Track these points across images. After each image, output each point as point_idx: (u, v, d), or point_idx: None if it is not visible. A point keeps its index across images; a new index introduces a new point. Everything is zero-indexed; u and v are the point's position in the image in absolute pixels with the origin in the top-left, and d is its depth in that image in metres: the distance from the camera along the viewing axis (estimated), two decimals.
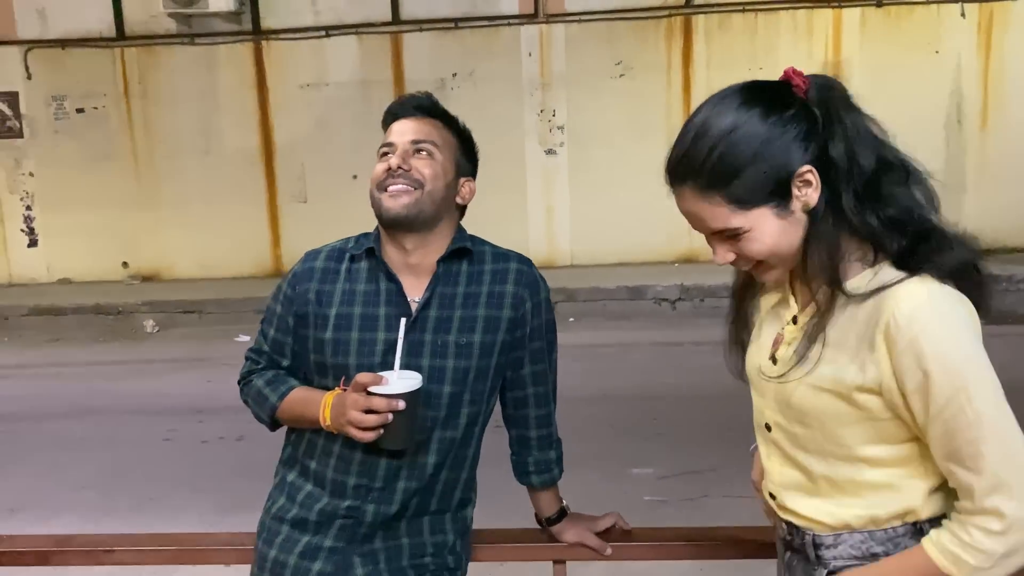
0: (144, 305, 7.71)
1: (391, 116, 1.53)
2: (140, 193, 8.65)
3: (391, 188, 1.46)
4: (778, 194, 1.11)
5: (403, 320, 1.42)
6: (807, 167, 1.11)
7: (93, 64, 8.44)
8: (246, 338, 6.81)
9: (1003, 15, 7.80)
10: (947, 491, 1.16)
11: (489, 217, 7.86)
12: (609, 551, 1.61)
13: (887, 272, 1.12)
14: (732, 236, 1.14)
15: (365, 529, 1.50)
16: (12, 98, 8.59)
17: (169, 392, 5.79)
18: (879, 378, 1.10)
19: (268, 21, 8.28)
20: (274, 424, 1.56)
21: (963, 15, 7.74)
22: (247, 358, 1.60)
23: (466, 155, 1.56)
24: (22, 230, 8.85)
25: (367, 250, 1.52)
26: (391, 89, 8.23)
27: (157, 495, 4.02)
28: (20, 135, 8.65)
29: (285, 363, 1.57)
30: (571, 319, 7.29)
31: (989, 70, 7.87)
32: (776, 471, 1.27)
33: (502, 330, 1.51)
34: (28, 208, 8.80)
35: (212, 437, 4.81)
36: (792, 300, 1.24)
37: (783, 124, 1.11)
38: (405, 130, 1.50)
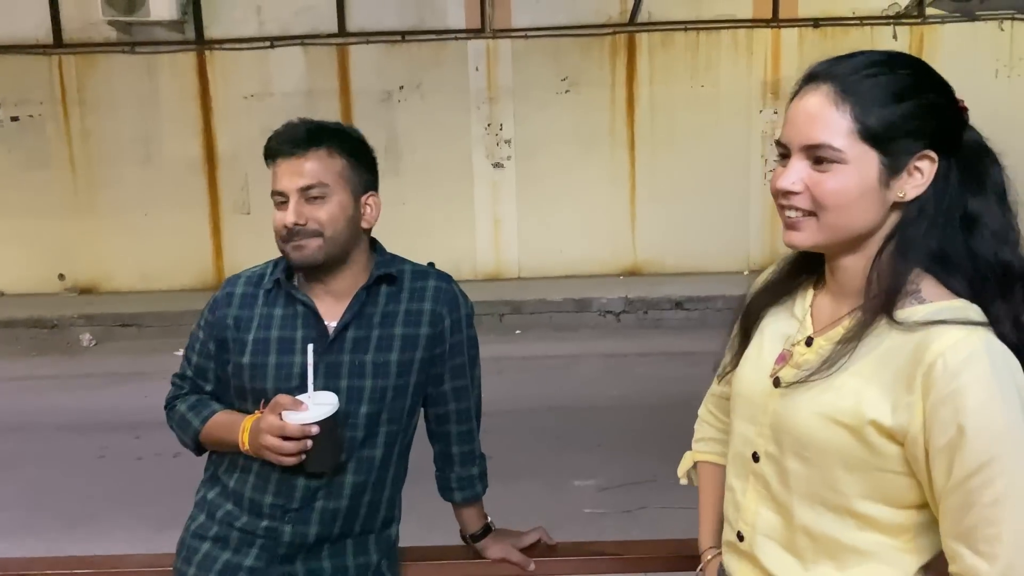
0: (80, 318, 7.51)
1: (273, 156, 1.49)
2: (77, 203, 8.43)
3: (293, 243, 1.46)
4: (896, 154, 1.00)
5: (310, 347, 1.42)
6: (934, 155, 1.00)
7: (29, 71, 8.22)
8: None
9: (932, 37, 8.10)
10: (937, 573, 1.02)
11: (437, 229, 7.98)
12: (533, 566, 1.62)
13: (941, 311, 0.99)
14: (821, 162, 1.01)
15: (284, 550, 1.49)
16: None
17: (104, 408, 5.64)
18: (907, 425, 0.97)
19: (212, 31, 8.17)
20: (199, 448, 1.56)
21: (895, 37, 8.02)
22: (172, 383, 1.62)
23: (361, 167, 1.52)
24: None
25: (276, 281, 1.53)
26: (337, 100, 8.19)
27: (89, 514, 3.92)
28: None
29: (208, 388, 1.58)
30: (518, 331, 7.32)
31: None
32: (752, 511, 1.13)
33: (420, 347, 1.52)
34: None
35: (148, 454, 4.70)
36: (808, 319, 1.12)
37: (949, 103, 1.03)
38: (292, 173, 1.45)
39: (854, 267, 1.06)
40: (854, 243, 1.06)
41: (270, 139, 1.49)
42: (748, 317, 1.20)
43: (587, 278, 8.20)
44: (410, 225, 7.94)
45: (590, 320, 7.45)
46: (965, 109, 1.06)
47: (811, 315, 1.12)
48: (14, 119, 8.34)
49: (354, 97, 8.23)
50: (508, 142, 8.34)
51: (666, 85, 8.13)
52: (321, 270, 1.49)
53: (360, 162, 1.51)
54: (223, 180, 8.38)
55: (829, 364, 1.02)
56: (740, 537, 1.14)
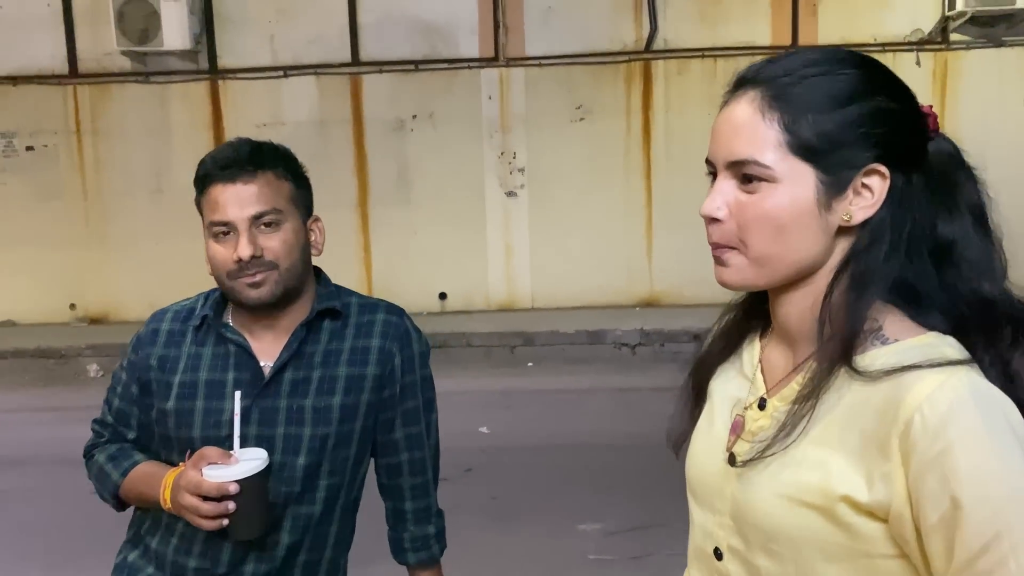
0: (88, 348, 7.44)
1: (208, 181, 1.33)
2: (89, 233, 8.42)
3: (246, 278, 1.30)
4: (836, 169, 0.83)
5: (237, 394, 1.27)
6: (884, 170, 0.83)
7: (44, 101, 8.27)
8: None
9: (957, 63, 7.90)
10: None
11: (449, 258, 7.86)
12: None
13: (910, 351, 0.81)
14: (750, 180, 0.85)
15: None
16: None
17: None
18: (888, 499, 0.78)
19: (225, 60, 8.18)
20: (119, 504, 1.40)
21: (918, 63, 7.83)
22: (92, 430, 1.46)
23: (305, 189, 1.38)
24: None
25: (204, 317, 1.37)
26: (350, 129, 8.13)
27: (74, 555, 3.78)
28: None
29: (131, 435, 1.43)
30: (530, 364, 7.14)
31: (944, 118, 7.93)
32: None
33: (367, 389, 1.36)
34: None
35: None
36: (759, 376, 0.94)
37: (902, 109, 0.85)
38: (240, 201, 1.30)
39: (800, 308, 0.88)
40: (797, 279, 0.88)
41: (203, 163, 1.35)
42: (699, 375, 1.02)
43: (602, 309, 8.02)
44: (421, 254, 7.84)
45: (604, 353, 7.25)
46: (931, 116, 0.88)
47: (762, 371, 0.94)
48: (29, 149, 8.37)
49: (367, 126, 8.17)
50: (521, 170, 8.22)
51: (683, 113, 7.99)
52: (274, 309, 1.34)
53: (303, 184, 1.38)
54: None
55: (785, 432, 0.83)
56: None
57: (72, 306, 8.50)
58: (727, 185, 0.87)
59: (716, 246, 0.89)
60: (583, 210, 8.11)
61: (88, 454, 1.46)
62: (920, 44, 7.87)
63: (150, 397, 1.38)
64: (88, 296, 8.48)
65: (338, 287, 1.42)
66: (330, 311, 1.37)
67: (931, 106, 0.90)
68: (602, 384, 6.50)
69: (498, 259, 8.32)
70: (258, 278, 1.30)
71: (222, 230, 1.32)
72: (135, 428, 1.42)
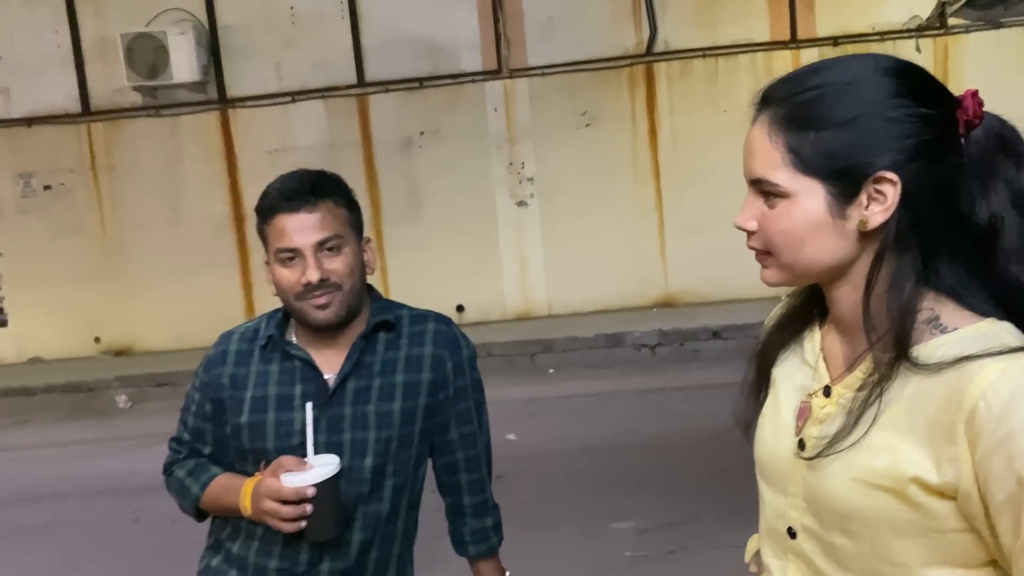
0: (116, 380, 7.56)
1: (274, 211, 1.41)
2: (108, 267, 8.56)
3: (314, 300, 1.39)
4: (843, 181, 0.88)
5: (308, 405, 1.36)
6: (892, 175, 0.87)
7: (59, 140, 8.43)
8: None
9: (957, 47, 7.95)
10: None
11: (463, 272, 7.94)
12: None
13: (970, 340, 0.86)
14: (769, 196, 0.92)
15: None
16: None
17: (139, 469, 5.60)
18: (956, 480, 0.84)
19: (233, 89, 8.32)
20: (200, 515, 1.50)
21: (918, 50, 7.87)
22: (169, 447, 1.56)
23: (358, 214, 1.47)
24: None
25: (270, 336, 1.46)
26: (359, 150, 8.24)
27: None
28: None
29: (207, 450, 1.52)
30: (551, 370, 7.20)
31: None
32: None
33: (423, 393, 1.45)
34: None
35: (181, 515, 4.63)
36: (822, 364, 0.99)
37: (907, 115, 0.87)
38: (304, 229, 1.38)
39: (849, 299, 0.94)
40: (835, 274, 0.94)
41: (268, 195, 1.43)
42: (762, 363, 1.07)
43: (619, 312, 8.07)
44: (435, 270, 7.92)
45: (624, 355, 7.30)
46: (971, 103, 0.90)
47: (823, 359, 0.99)
48: (47, 188, 8.53)
49: (375, 146, 8.28)
50: (531, 180, 8.31)
51: (687, 114, 8.06)
52: (340, 326, 1.43)
53: (356, 209, 1.47)
54: (252, 236, 8.43)
55: (854, 422, 0.89)
56: None
57: (97, 339, 8.63)
58: (754, 200, 0.95)
59: (755, 251, 0.97)
60: (594, 215, 8.18)
61: (168, 470, 1.56)
62: (919, 31, 7.92)
63: (224, 414, 1.46)
64: (111, 329, 8.61)
65: (389, 301, 1.51)
66: (385, 323, 1.45)
67: (975, 91, 0.91)
68: (624, 386, 6.56)
69: (512, 269, 8.40)
70: (323, 300, 1.39)
71: (288, 256, 1.40)
72: (210, 443, 1.51)
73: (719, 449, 4.94)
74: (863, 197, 0.89)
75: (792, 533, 0.97)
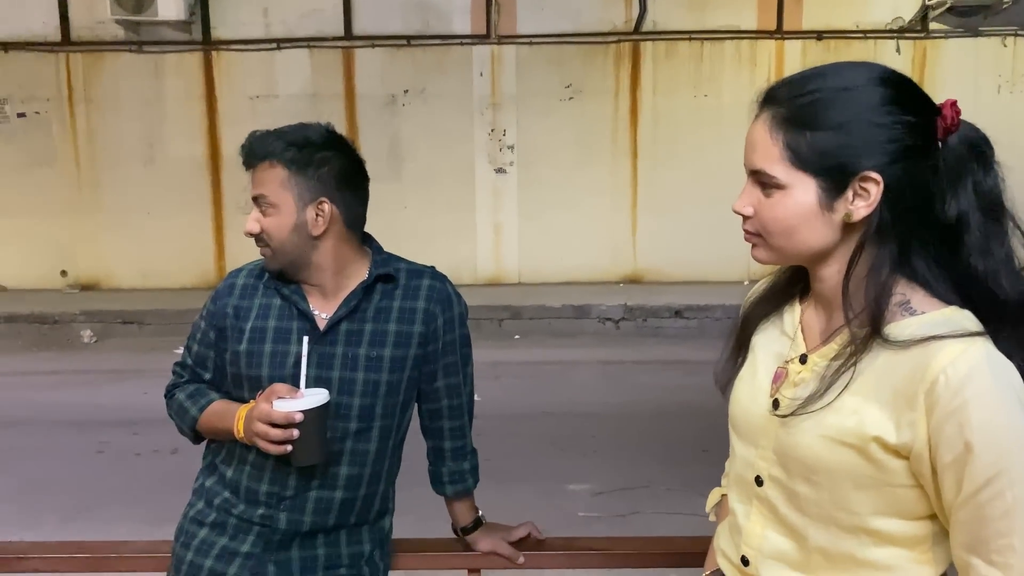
0: (82, 315, 7.54)
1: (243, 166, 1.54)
2: (81, 200, 8.48)
3: (261, 249, 1.54)
4: (833, 178, 0.99)
5: (305, 339, 1.45)
6: (876, 175, 0.98)
7: (36, 68, 8.28)
8: None
9: (936, 52, 8.14)
10: None
11: (438, 233, 8.01)
12: (522, 559, 1.65)
13: (935, 323, 0.98)
14: (765, 187, 1.03)
15: (280, 537, 1.52)
16: None
17: (104, 403, 5.67)
18: (911, 441, 0.96)
19: (219, 32, 8.23)
20: (196, 437, 1.59)
21: (898, 51, 8.06)
22: (172, 371, 1.64)
23: (308, 176, 1.49)
24: None
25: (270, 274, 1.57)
26: (342, 103, 8.24)
27: (86, 508, 3.94)
28: None
29: (207, 376, 1.61)
30: (517, 336, 7.34)
31: None
32: (758, 534, 1.11)
33: (413, 344, 1.54)
34: None
35: (146, 450, 4.72)
36: (800, 335, 1.11)
37: (894, 121, 0.98)
38: (253, 184, 1.51)
39: (831, 280, 1.06)
40: (820, 257, 1.06)
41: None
42: (744, 330, 1.20)
43: (587, 285, 8.23)
44: (411, 229, 7.98)
45: (589, 327, 7.48)
46: (950, 112, 1.01)
47: (801, 331, 1.11)
48: (20, 115, 8.40)
49: (358, 101, 8.28)
50: (511, 148, 8.38)
51: (669, 94, 8.18)
52: (293, 276, 1.54)
53: (305, 168, 1.49)
54: (227, 180, 8.42)
55: (827, 387, 1.02)
56: (745, 562, 1.13)
57: (63, 273, 8.58)
58: (752, 188, 1.06)
59: (747, 233, 1.09)
60: (570, 188, 8.29)
61: (169, 393, 1.63)
62: (900, 32, 8.10)
63: (225, 342, 1.56)
64: (79, 263, 8.56)
65: (389, 254, 1.60)
66: (385, 276, 1.55)
67: (954, 101, 1.01)
68: (587, 357, 6.73)
69: (487, 234, 8.50)
70: (265, 251, 1.53)
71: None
72: (211, 370, 1.60)
73: (674, 422, 5.16)
74: (849, 193, 1.00)
75: (759, 481, 1.10)
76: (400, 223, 8.02)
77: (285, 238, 1.49)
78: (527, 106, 8.26)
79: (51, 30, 8.24)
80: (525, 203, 8.42)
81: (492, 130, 8.36)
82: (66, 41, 8.25)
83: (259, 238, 1.51)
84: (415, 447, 1.68)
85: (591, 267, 8.36)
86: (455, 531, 1.70)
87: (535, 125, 8.28)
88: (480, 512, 1.70)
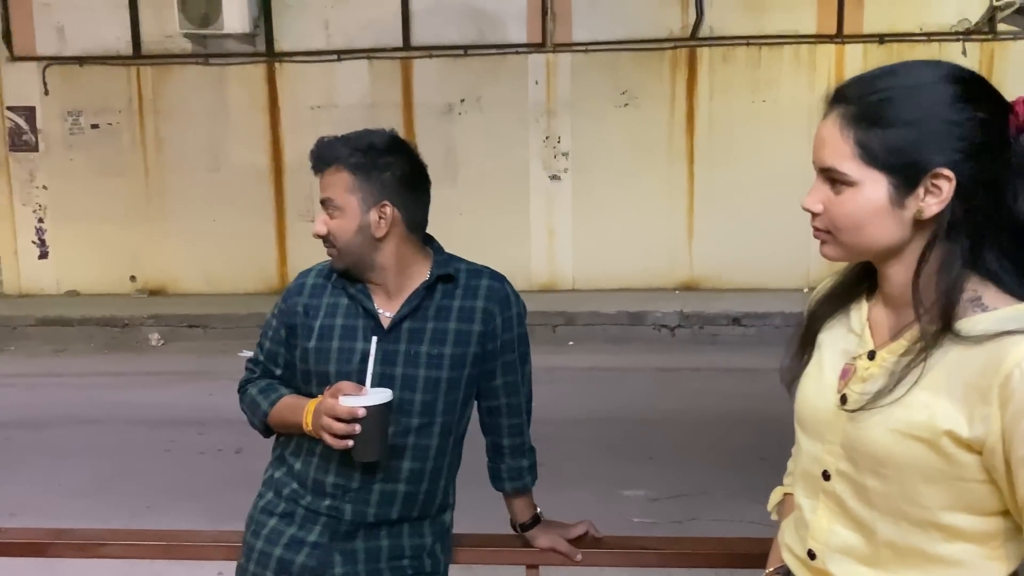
0: (150, 318, 7.81)
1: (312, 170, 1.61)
2: (150, 208, 8.79)
3: (327, 249, 1.60)
4: (904, 175, 1.00)
5: (374, 339, 1.50)
6: (948, 172, 0.98)
7: (109, 81, 8.62)
8: (249, 353, 6.85)
9: (1004, 53, 7.92)
10: None
11: (492, 239, 8.07)
12: (579, 557, 1.66)
13: (1008, 318, 0.98)
14: (836, 183, 1.04)
15: (346, 527, 1.57)
16: (29, 113, 8.76)
17: (170, 404, 5.86)
18: (985, 435, 0.96)
19: (282, 44, 8.46)
20: (267, 430, 1.65)
21: (964, 53, 7.85)
22: (245, 367, 1.71)
23: (371, 180, 1.54)
24: (33, 242, 8.98)
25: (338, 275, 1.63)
26: (400, 112, 8.37)
27: (154, 504, 4.08)
28: (35, 149, 8.82)
29: (279, 372, 1.67)
30: (571, 342, 7.35)
31: None
32: (824, 528, 1.12)
33: (473, 343, 1.59)
34: (40, 220, 8.94)
35: (211, 449, 4.87)
36: (868, 332, 1.11)
37: (965, 119, 0.99)
38: (321, 188, 1.58)
39: (900, 277, 1.06)
40: (889, 254, 1.06)
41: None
42: (810, 328, 1.20)
43: (642, 291, 8.19)
44: (466, 235, 8.00)
45: (644, 333, 7.44)
46: (1017, 111, 1.01)
47: (869, 327, 1.11)
48: (94, 127, 8.74)
49: (416, 110, 8.41)
50: (565, 154, 8.41)
51: (726, 99, 8.11)
52: (358, 276, 1.60)
53: (367, 172, 1.54)
54: (289, 188, 8.64)
55: (896, 381, 1.02)
56: (811, 555, 1.13)
57: (132, 278, 8.89)
58: (821, 185, 1.07)
59: (816, 230, 1.10)
60: (625, 194, 8.27)
61: (242, 388, 1.70)
62: (967, 34, 7.89)
63: (295, 338, 1.62)
64: (147, 269, 8.86)
65: (449, 255, 1.65)
66: (445, 276, 1.60)
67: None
68: (642, 363, 6.70)
69: (540, 240, 8.53)
70: (331, 251, 1.59)
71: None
72: (282, 366, 1.66)
73: (730, 430, 5.11)
74: (921, 190, 1.00)
75: (826, 476, 1.11)
76: (455, 229, 8.05)
77: (349, 239, 1.55)
78: (582, 112, 8.28)
79: (123, 44, 8.57)
80: (579, 209, 8.43)
81: (547, 137, 8.40)
82: (137, 55, 8.57)
83: (326, 239, 1.57)
84: (473, 446, 1.72)
85: (646, 273, 8.32)
86: (513, 527, 1.73)
87: (590, 131, 8.29)
88: (539, 509, 1.72)
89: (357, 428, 1.43)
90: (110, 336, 7.77)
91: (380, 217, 1.55)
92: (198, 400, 5.85)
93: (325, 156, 1.56)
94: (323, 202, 1.56)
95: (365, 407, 1.42)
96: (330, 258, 1.60)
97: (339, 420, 1.43)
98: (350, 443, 1.44)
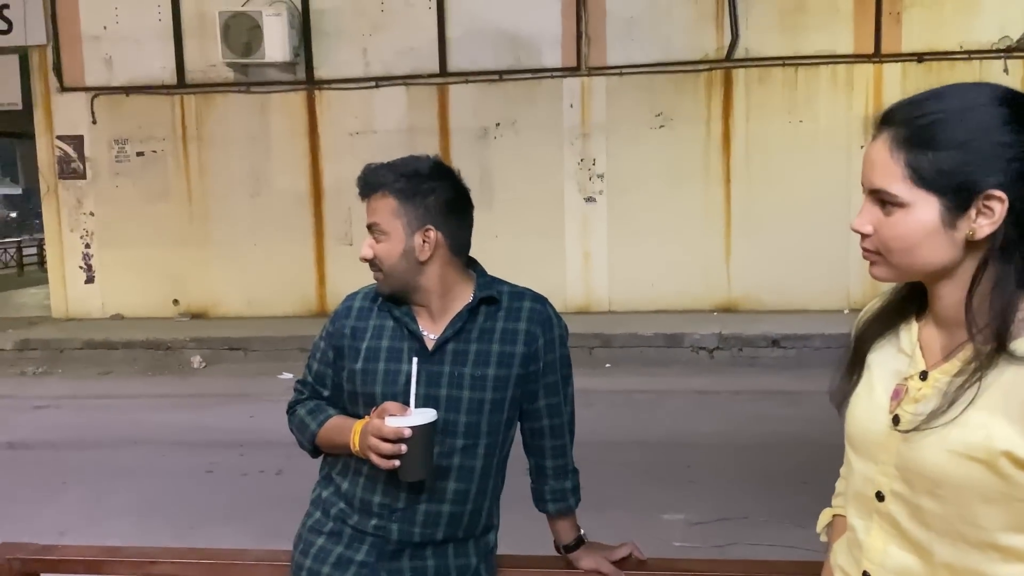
0: (192, 341, 7.95)
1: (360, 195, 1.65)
2: (192, 233, 8.98)
3: (373, 273, 1.63)
4: (956, 196, 1.00)
5: (415, 361, 1.53)
6: (1001, 193, 0.98)
7: (154, 110, 8.86)
8: (289, 375, 6.97)
9: None
10: None
11: (528, 262, 8.10)
12: None
13: None
14: (886, 205, 1.04)
15: (393, 547, 1.59)
16: (78, 141, 9.03)
17: (212, 426, 5.95)
18: None
19: (321, 71, 8.63)
20: (315, 451, 1.68)
21: (1006, 71, 7.76)
22: (294, 389, 1.74)
23: (416, 205, 1.57)
24: (80, 267, 9.22)
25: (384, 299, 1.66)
26: (437, 137, 8.48)
27: (197, 524, 4.13)
28: (83, 176, 9.08)
29: (326, 393, 1.70)
30: (608, 365, 7.33)
31: None
32: (880, 550, 1.10)
33: (516, 365, 1.60)
34: (87, 246, 9.18)
35: (252, 470, 4.93)
36: (919, 352, 1.10)
37: (1017, 140, 0.99)
38: (368, 212, 1.61)
39: (952, 298, 1.06)
40: (940, 275, 1.06)
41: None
42: (859, 349, 1.19)
43: (679, 313, 8.15)
44: (502, 258, 8.02)
45: (682, 356, 7.39)
46: None
47: (920, 348, 1.11)
48: (139, 154, 8.98)
49: (452, 134, 8.51)
50: (601, 177, 8.43)
51: (763, 121, 8.09)
52: (404, 299, 1.63)
53: (412, 197, 1.58)
54: (328, 212, 8.78)
55: (951, 402, 1.01)
56: None
57: (175, 302, 9.07)
58: (871, 207, 1.07)
59: (865, 251, 1.10)
60: (661, 216, 8.26)
61: (291, 409, 1.73)
62: (1008, 52, 7.79)
63: (342, 360, 1.65)
64: (190, 293, 9.04)
65: (492, 277, 1.67)
66: (489, 298, 1.63)
67: None
68: (680, 386, 6.65)
69: (576, 262, 8.54)
70: (377, 275, 1.62)
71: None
72: (330, 387, 1.69)
73: (772, 454, 5.05)
74: (973, 211, 1.00)
75: (880, 496, 1.10)
76: (492, 251, 8.05)
77: (395, 263, 1.58)
78: (617, 135, 8.31)
79: (168, 74, 8.81)
80: (615, 231, 8.43)
81: (582, 159, 8.44)
82: (181, 84, 8.80)
83: (372, 263, 1.60)
84: (516, 468, 1.73)
85: (683, 295, 8.28)
86: (557, 549, 1.73)
87: (625, 154, 8.31)
88: (582, 531, 1.72)
89: (403, 448, 1.45)
90: (154, 359, 7.92)
91: (424, 241, 1.58)
92: (239, 422, 5.93)
93: (371, 182, 1.60)
94: (369, 227, 1.60)
95: (411, 427, 1.44)
96: (375, 281, 1.63)
97: (385, 440, 1.45)
98: (396, 463, 1.46)
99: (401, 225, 1.57)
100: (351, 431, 1.54)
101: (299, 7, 8.50)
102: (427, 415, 1.48)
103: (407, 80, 8.49)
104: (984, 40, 7.83)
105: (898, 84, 7.87)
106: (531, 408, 1.66)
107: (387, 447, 1.45)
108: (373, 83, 8.52)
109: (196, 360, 7.83)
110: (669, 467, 4.82)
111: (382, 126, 8.55)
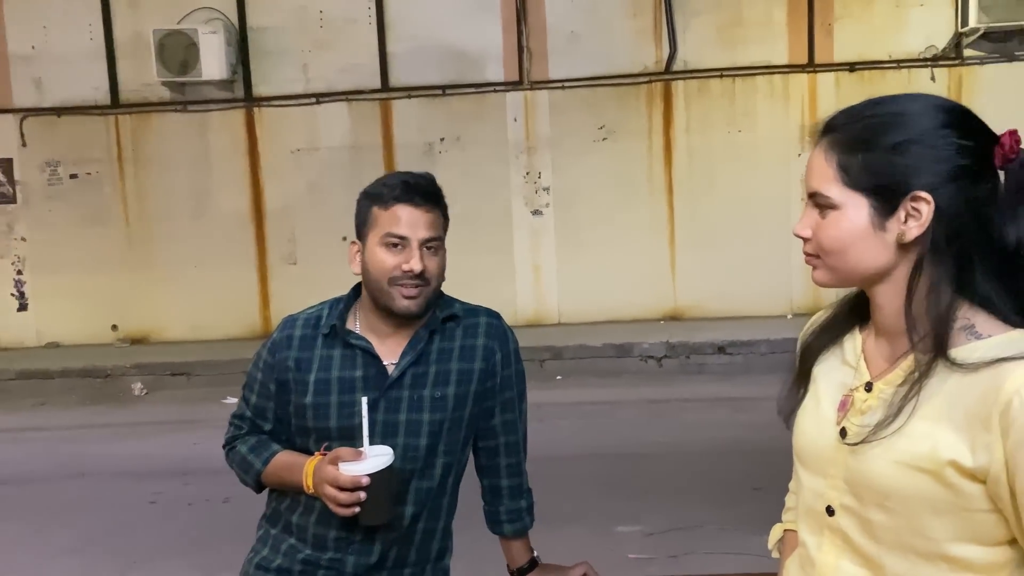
0: (132, 368, 7.71)
1: (395, 200, 1.51)
2: (131, 257, 8.73)
3: (405, 289, 1.50)
4: (883, 197, 1.01)
5: (364, 400, 1.47)
6: (927, 195, 0.99)
7: (87, 131, 8.61)
8: (233, 400, 6.80)
9: (971, 79, 8.08)
10: None
11: (478, 277, 8.06)
12: None
13: (1003, 345, 0.98)
14: (822, 208, 1.06)
15: None
16: (6, 164, 8.72)
17: (155, 455, 5.77)
18: (988, 464, 0.95)
19: (260, 88, 8.49)
20: (260, 487, 1.62)
21: (933, 79, 8.02)
22: (230, 423, 1.67)
23: (447, 225, 1.61)
24: (12, 294, 8.89)
25: (332, 326, 1.58)
26: (380, 153, 8.41)
27: (141, 559, 4.00)
28: (13, 200, 8.76)
29: (267, 427, 1.63)
30: (558, 377, 7.33)
31: None
32: (832, 565, 1.09)
33: (474, 381, 1.58)
34: (19, 272, 8.86)
35: (198, 499, 4.79)
36: (863, 363, 1.11)
37: (946, 144, 1.00)
38: (416, 223, 1.50)
39: (892, 305, 1.06)
40: (877, 279, 1.07)
41: (394, 185, 1.53)
42: (804, 362, 1.19)
43: (628, 323, 8.21)
44: (451, 273, 8.00)
45: (631, 365, 7.43)
46: (1009, 140, 1.01)
47: (864, 359, 1.11)
48: (73, 177, 8.71)
49: (396, 150, 8.45)
50: (547, 190, 8.46)
51: (703, 132, 8.22)
52: (416, 317, 1.55)
53: (447, 220, 1.61)
54: (270, 232, 8.62)
55: (896, 412, 1.01)
56: None
57: (114, 327, 8.79)
58: (810, 211, 1.09)
59: (807, 255, 1.11)
60: (607, 227, 8.32)
61: (229, 445, 1.65)
62: (934, 60, 8.06)
63: (287, 394, 1.58)
64: (130, 318, 8.77)
65: (445, 296, 1.64)
66: (450, 317, 1.59)
67: (1014, 131, 1.02)
68: (630, 396, 6.68)
69: (525, 276, 8.55)
70: (414, 292, 1.51)
71: (395, 242, 1.51)
72: (271, 421, 1.62)
73: (724, 461, 5.09)
74: (901, 212, 1.01)
75: (830, 511, 1.09)
76: None
77: (440, 281, 1.58)
78: (561, 149, 8.36)
79: (101, 94, 8.57)
80: (563, 243, 8.47)
81: (527, 173, 8.46)
82: (115, 104, 8.57)
83: (420, 276, 1.51)
84: (467, 492, 1.70)
85: (631, 305, 8.34)
86: (510, 572, 1.71)
87: (570, 167, 8.36)
88: (536, 552, 1.70)
89: (362, 496, 1.39)
90: (92, 387, 7.66)
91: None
92: (183, 450, 5.76)
93: (434, 194, 1.56)
94: (427, 240, 1.53)
95: (369, 474, 1.39)
96: (407, 299, 1.51)
97: (342, 489, 1.40)
98: (357, 509, 1.41)
99: (444, 245, 1.57)
100: (303, 471, 1.49)
101: (236, 25, 8.36)
102: (383, 457, 1.42)
103: (349, 96, 8.41)
104: (912, 49, 8.09)
105: (832, 93, 8.08)
106: (487, 426, 1.63)
107: (345, 496, 1.40)
108: (314, 99, 8.42)
109: (137, 387, 7.60)
110: (622, 478, 4.82)
111: (326, 143, 8.45)
